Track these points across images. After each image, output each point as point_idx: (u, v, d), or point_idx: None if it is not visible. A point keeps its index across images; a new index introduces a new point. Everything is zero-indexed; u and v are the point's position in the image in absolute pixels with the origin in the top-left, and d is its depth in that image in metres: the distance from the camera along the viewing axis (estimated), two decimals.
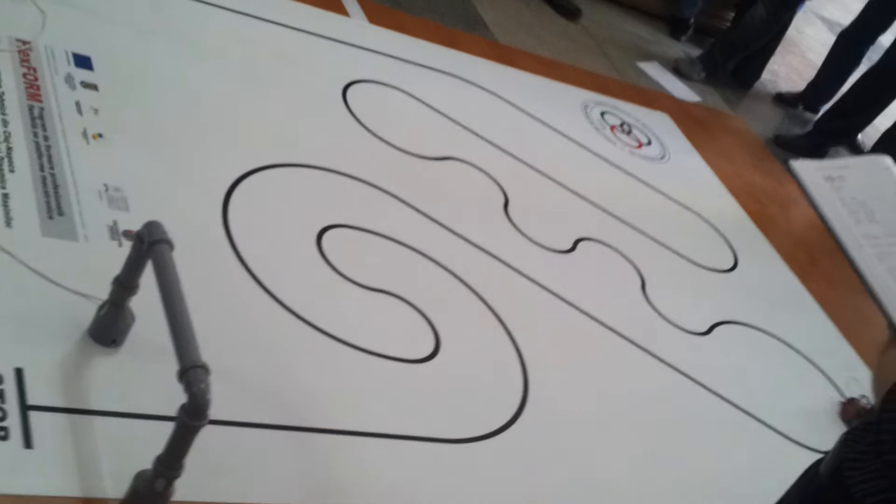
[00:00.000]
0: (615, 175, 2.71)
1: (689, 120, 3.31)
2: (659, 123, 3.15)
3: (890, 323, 1.09)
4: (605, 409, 1.89)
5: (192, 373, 1.19)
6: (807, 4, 4.75)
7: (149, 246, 1.33)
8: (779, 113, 4.63)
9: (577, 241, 2.30)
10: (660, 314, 2.23)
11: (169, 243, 1.33)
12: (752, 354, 2.31)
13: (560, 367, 1.92)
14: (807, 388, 2.31)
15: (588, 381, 1.93)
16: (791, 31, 4.98)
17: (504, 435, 1.69)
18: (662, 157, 2.95)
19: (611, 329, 2.08)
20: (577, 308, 2.08)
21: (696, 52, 4.64)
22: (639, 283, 2.29)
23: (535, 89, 2.89)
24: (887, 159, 1.24)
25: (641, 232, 2.49)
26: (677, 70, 4.40)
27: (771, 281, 2.66)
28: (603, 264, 2.30)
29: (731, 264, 2.62)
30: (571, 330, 2.03)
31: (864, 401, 2.32)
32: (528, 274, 2.09)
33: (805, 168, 1.22)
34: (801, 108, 4.76)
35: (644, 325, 2.17)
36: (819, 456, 1.05)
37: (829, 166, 1.24)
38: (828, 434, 2.15)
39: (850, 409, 2.29)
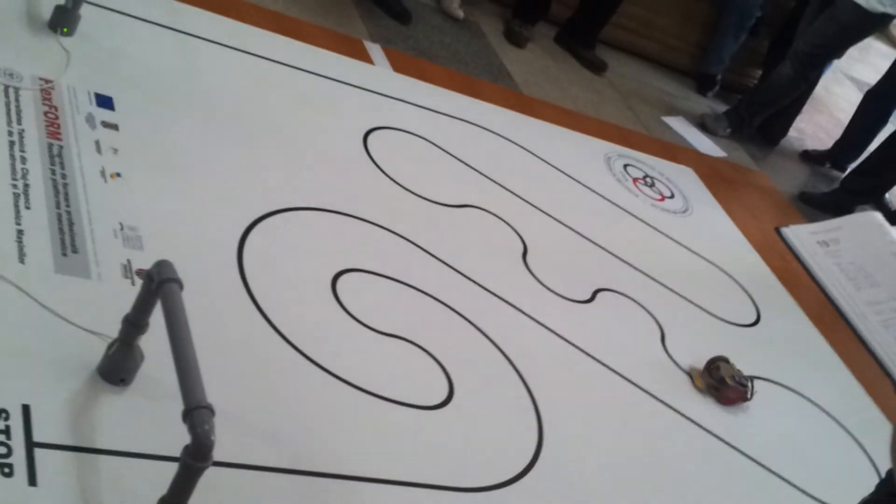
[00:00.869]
0: (637, 227, 2.70)
1: (713, 175, 3.29)
2: (683, 177, 3.14)
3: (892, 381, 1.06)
4: (622, 461, 1.85)
5: (196, 413, 1.18)
6: (836, 64, 4.75)
7: (158, 285, 1.32)
8: (805, 170, 4.61)
9: (596, 292, 2.28)
10: (679, 367, 2.19)
11: (179, 283, 1.32)
12: (773, 410, 2.27)
13: (576, 417, 1.89)
14: (829, 446, 2.26)
15: (604, 434, 1.90)
16: (820, 90, 4.98)
17: (517, 485, 1.66)
18: (685, 211, 2.93)
19: (629, 381, 2.05)
20: (594, 359, 2.05)
21: (722, 107, 4.64)
22: (658, 335, 2.27)
23: (557, 140, 2.89)
24: (878, 215, 1.21)
25: (662, 284, 2.47)
26: (703, 125, 4.39)
27: (794, 336, 2.62)
28: (622, 316, 2.28)
29: (753, 319, 2.58)
30: (588, 381, 2.00)
31: (730, 376, 2.15)
32: (545, 323, 2.07)
33: (797, 234, 1.18)
34: (827, 165, 4.73)
35: (663, 378, 2.13)
36: None
37: (821, 230, 1.20)
38: (850, 493, 2.10)
39: (731, 395, 2.14)
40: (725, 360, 2.20)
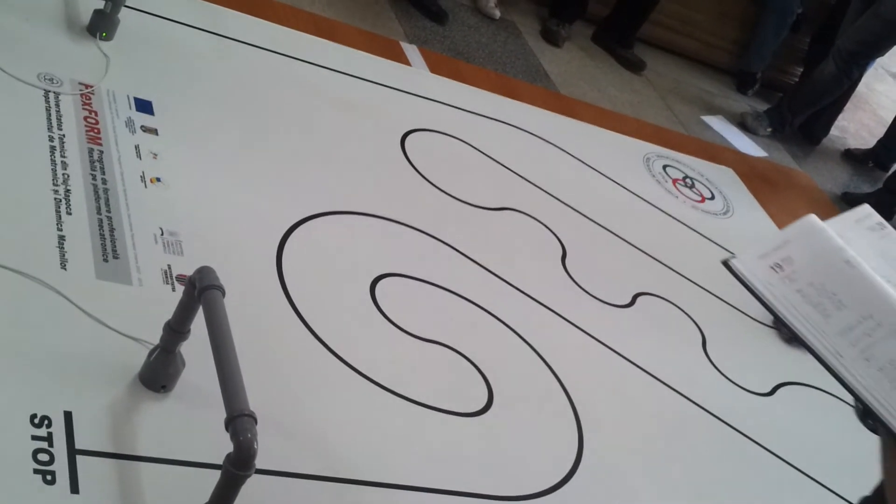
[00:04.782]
0: (676, 229, 2.67)
1: (754, 175, 3.25)
2: (723, 178, 3.10)
3: (886, 429, 0.95)
4: (664, 469, 1.83)
5: (238, 422, 1.18)
6: (878, 61, 4.69)
7: (200, 291, 1.32)
8: (847, 170, 4.56)
9: (636, 296, 2.26)
10: (721, 373, 2.17)
11: (221, 289, 1.32)
12: (817, 417, 2.23)
13: (616, 425, 1.87)
14: (875, 454, 2.22)
15: (645, 440, 1.88)
16: (861, 88, 4.92)
17: (557, 494, 1.65)
18: (726, 212, 2.90)
19: (670, 387, 2.03)
20: (634, 364, 2.03)
21: (763, 106, 4.60)
22: (699, 340, 2.24)
23: (595, 141, 2.86)
24: (813, 219, 1.04)
25: (703, 288, 2.44)
26: (743, 124, 4.35)
27: None
28: (662, 320, 2.25)
29: None
30: (629, 386, 1.98)
31: None
32: (584, 328, 2.05)
33: (747, 265, 0.99)
34: (870, 165, 4.67)
35: (704, 384, 2.11)
36: None
37: (769, 250, 1.04)
38: None
39: None
40: None
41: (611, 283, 2.24)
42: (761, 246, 1.01)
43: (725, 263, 1.00)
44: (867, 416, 0.97)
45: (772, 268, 0.98)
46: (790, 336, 0.98)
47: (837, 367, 0.96)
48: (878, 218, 1.12)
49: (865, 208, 1.13)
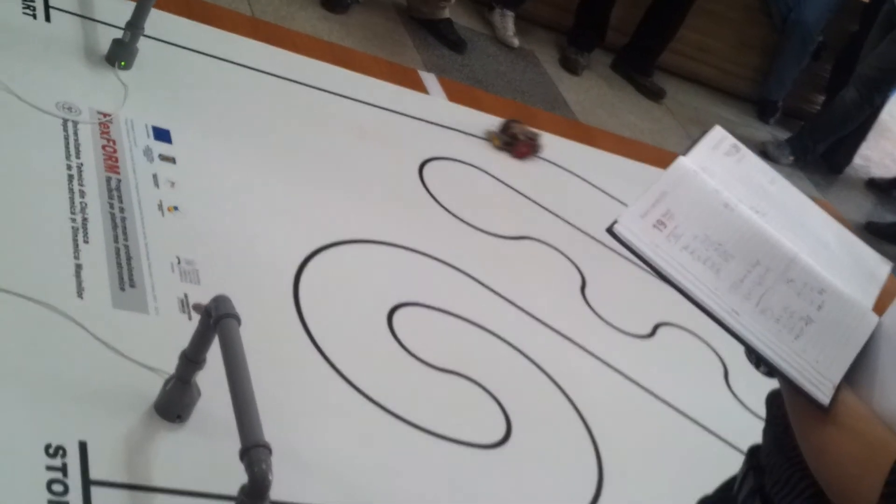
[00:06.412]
0: None
1: None
2: None
3: (800, 392, 0.87)
4: None
5: (253, 452, 1.17)
6: None
7: (216, 320, 1.31)
8: (871, 199, 4.53)
9: (656, 326, 2.23)
10: (744, 405, 2.14)
11: (237, 318, 1.32)
12: None
13: (637, 456, 1.85)
14: None
15: (667, 474, 1.85)
16: (885, 116, 4.89)
17: None
18: None
19: (692, 419, 2.00)
20: (655, 396, 2.01)
21: (784, 135, 4.57)
22: (721, 371, 2.21)
23: (615, 169, 2.84)
24: (683, 161, 0.96)
25: None
26: (765, 153, 4.33)
27: None
28: (684, 351, 2.23)
29: None
30: (650, 419, 1.96)
31: (521, 132, 2.43)
32: (604, 358, 2.03)
33: (630, 228, 0.90)
34: (894, 193, 4.64)
35: (727, 416, 2.08)
36: None
37: (648, 207, 0.92)
38: None
39: (523, 149, 2.44)
40: (518, 122, 2.51)
41: (631, 313, 2.22)
42: (640, 202, 0.92)
43: (610, 231, 0.91)
44: (760, 362, 0.90)
45: (654, 226, 0.90)
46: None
47: (737, 327, 0.88)
48: (731, 140, 1.06)
49: (718, 131, 1.06)
